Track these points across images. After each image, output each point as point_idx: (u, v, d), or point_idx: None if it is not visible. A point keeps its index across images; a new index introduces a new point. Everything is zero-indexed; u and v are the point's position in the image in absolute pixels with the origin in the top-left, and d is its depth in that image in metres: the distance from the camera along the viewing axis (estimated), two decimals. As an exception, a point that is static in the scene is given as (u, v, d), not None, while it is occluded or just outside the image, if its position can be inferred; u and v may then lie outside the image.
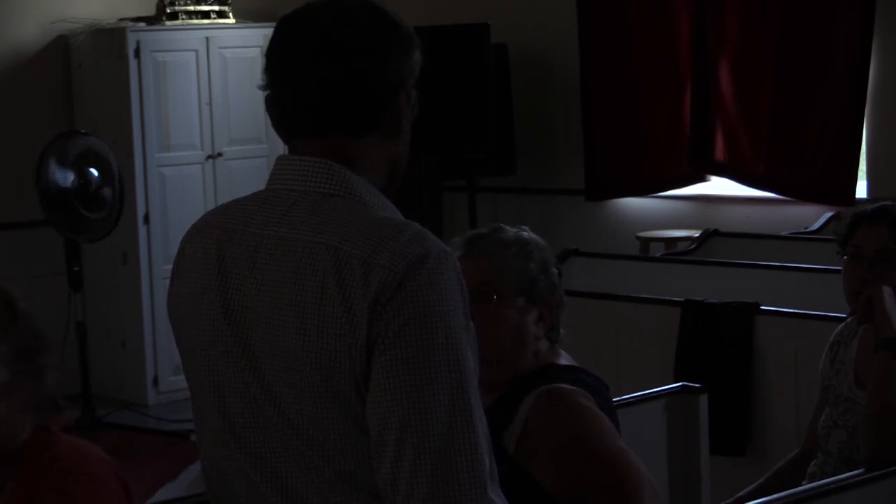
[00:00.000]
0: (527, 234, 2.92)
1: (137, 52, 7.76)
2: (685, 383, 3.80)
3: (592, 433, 2.73)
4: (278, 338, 1.98)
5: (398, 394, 1.90)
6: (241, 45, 8.15)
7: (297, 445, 1.99)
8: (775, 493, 3.24)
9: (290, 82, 2.07)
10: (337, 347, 1.93)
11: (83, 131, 7.39)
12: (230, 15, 8.19)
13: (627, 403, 3.60)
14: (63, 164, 6.90)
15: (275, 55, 2.10)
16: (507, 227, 2.92)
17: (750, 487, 3.76)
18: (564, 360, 2.93)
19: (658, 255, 6.97)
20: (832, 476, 3.44)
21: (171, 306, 2.16)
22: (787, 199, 7.77)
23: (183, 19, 8.01)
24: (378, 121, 2.07)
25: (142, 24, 7.92)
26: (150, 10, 8.01)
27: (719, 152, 8.02)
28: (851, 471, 3.34)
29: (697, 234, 7.03)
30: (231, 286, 2.04)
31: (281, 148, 7.80)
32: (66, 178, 6.91)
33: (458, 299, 1.95)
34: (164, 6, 7.96)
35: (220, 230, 2.10)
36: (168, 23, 7.96)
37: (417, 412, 1.89)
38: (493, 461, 2.04)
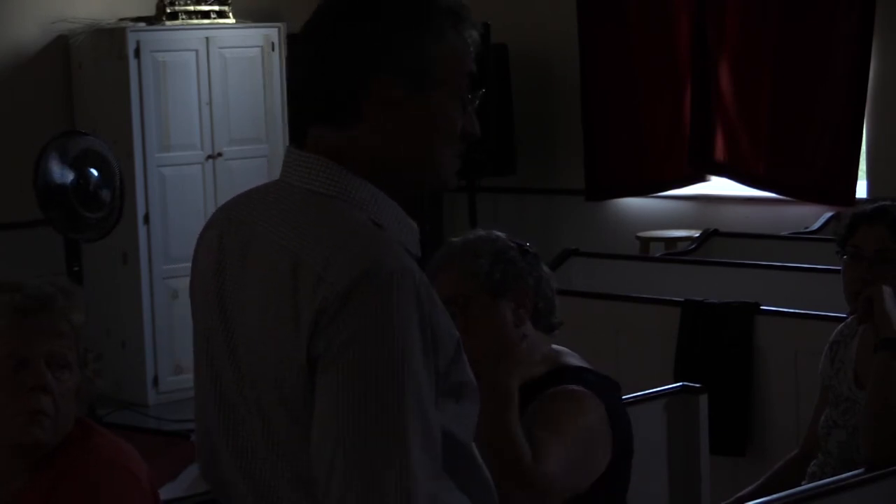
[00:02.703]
0: (472, 234, 2.93)
1: (137, 52, 7.76)
2: (685, 383, 3.80)
3: (563, 423, 2.75)
4: (249, 335, 1.96)
5: (334, 414, 1.83)
6: (241, 45, 8.15)
7: (264, 446, 1.96)
8: (775, 493, 3.25)
9: (291, 73, 2.06)
10: (285, 359, 1.89)
11: (84, 131, 7.39)
12: (230, 15, 8.18)
13: (627, 403, 3.59)
14: (63, 161, 6.90)
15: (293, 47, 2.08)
16: (456, 238, 2.93)
17: (750, 487, 3.76)
18: (575, 360, 2.94)
19: (658, 255, 6.97)
20: (832, 476, 3.44)
21: (190, 293, 2.14)
22: (787, 199, 7.77)
23: (183, 19, 8.01)
24: (360, 112, 1.95)
25: (142, 24, 7.91)
26: (150, 10, 8.01)
27: (719, 152, 8.02)
28: (851, 471, 3.34)
29: (697, 234, 7.03)
30: (226, 278, 2.02)
31: (280, 148, 7.78)
32: (65, 175, 6.91)
33: (409, 316, 1.84)
34: (164, 6, 7.96)
35: (226, 221, 2.07)
36: (168, 23, 7.95)
37: (350, 433, 1.82)
38: (473, 466, 1.99)
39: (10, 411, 2.48)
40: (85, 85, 8.01)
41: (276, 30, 8.28)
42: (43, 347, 2.51)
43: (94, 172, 6.97)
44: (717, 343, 4.95)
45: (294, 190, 1.99)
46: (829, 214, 7.25)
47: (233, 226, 2.05)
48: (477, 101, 2.03)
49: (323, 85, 1.97)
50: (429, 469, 1.85)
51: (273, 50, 8.24)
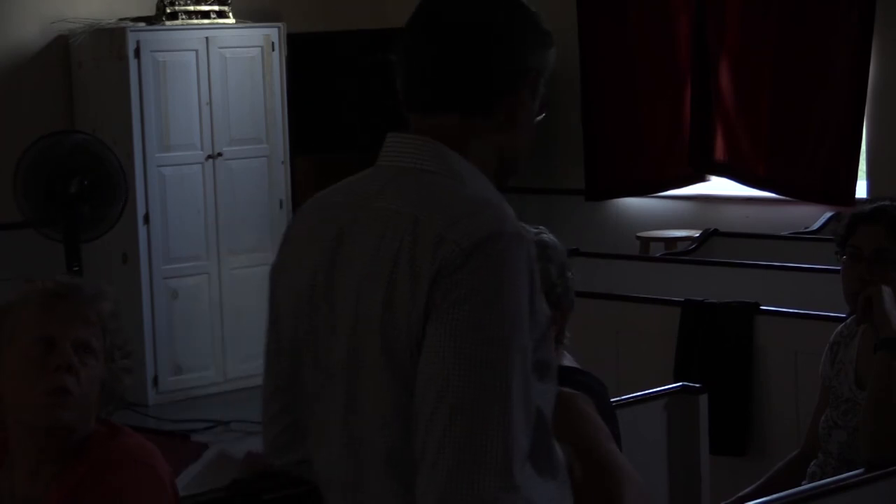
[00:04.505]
0: (546, 236, 2.93)
1: (137, 52, 7.76)
2: (685, 383, 3.80)
3: (589, 437, 2.75)
4: (357, 306, 2.02)
5: (443, 360, 1.92)
6: (241, 45, 8.15)
7: (369, 409, 2.02)
8: (775, 493, 3.25)
9: (409, 55, 2.11)
10: (399, 315, 1.97)
11: (78, 130, 7.40)
12: (230, 15, 8.18)
13: (627, 403, 3.61)
14: (48, 162, 6.91)
15: (406, 28, 2.13)
16: (528, 228, 2.92)
17: (750, 488, 3.76)
18: (567, 361, 2.94)
19: (658, 255, 6.97)
20: (832, 476, 3.44)
21: (277, 282, 2.19)
22: (787, 199, 7.77)
23: (183, 19, 8.01)
24: (492, 106, 2.08)
25: (142, 24, 7.91)
26: (150, 10, 8.01)
27: (719, 152, 8.02)
28: (851, 471, 3.34)
29: (697, 234, 7.03)
30: (333, 260, 2.08)
31: (280, 148, 7.77)
32: (48, 175, 6.92)
33: (522, 282, 1.95)
34: (164, 6, 7.96)
35: (328, 208, 2.14)
36: (168, 23, 7.95)
37: (458, 381, 1.91)
38: (548, 443, 2.06)
39: (36, 390, 2.53)
40: (85, 85, 8.01)
41: (276, 30, 8.28)
42: (70, 331, 2.57)
43: (88, 173, 6.97)
44: (717, 343, 4.95)
45: (403, 170, 2.08)
46: (829, 214, 7.25)
47: (339, 210, 2.11)
48: (541, 117, 2.19)
49: (477, 77, 2.07)
50: (524, 427, 1.93)
51: (273, 50, 8.24)
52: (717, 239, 6.78)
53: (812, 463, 3.69)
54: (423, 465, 1.92)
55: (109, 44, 7.83)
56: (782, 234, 6.98)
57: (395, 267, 1.98)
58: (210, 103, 8.02)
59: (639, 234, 7.97)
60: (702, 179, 8.26)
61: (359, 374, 2.02)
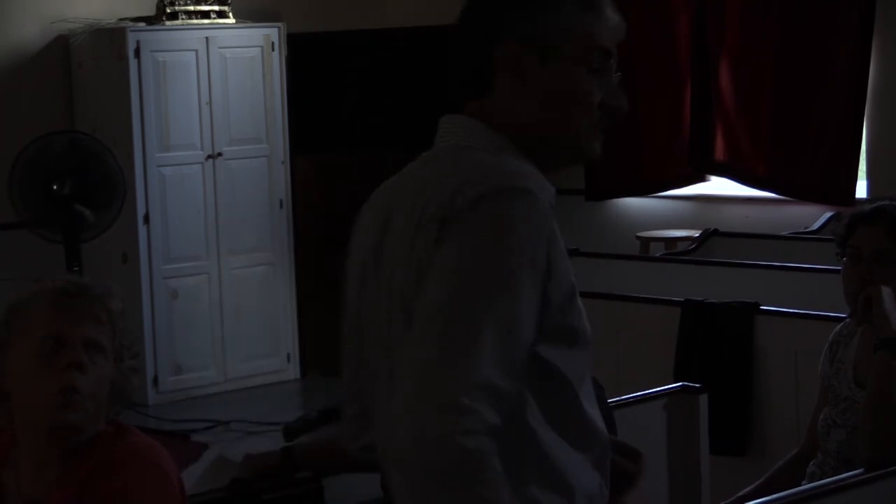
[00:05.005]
0: None
1: (137, 52, 7.76)
2: (685, 383, 3.80)
3: None
4: (392, 276, 2.11)
5: (428, 297, 2.00)
6: (241, 45, 8.15)
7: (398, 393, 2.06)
8: (775, 492, 3.25)
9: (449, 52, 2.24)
10: (416, 271, 2.05)
11: (75, 130, 7.40)
12: (230, 15, 8.18)
13: (627, 403, 3.61)
14: (41, 162, 6.90)
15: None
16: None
17: (750, 487, 3.76)
18: None
19: (658, 255, 6.97)
20: (831, 476, 3.44)
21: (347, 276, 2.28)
22: (787, 199, 7.78)
23: (183, 19, 8.01)
24: (492, 81, 2.15)
25: (142, 24, 7.91)
26: (150, 10, 8.01)
27: (719, 152, 8.03)
28: (850, 470, 3.34)
29: (697, 234, 7.03)
30: (381, 240, 2.16)
31: (280, 148, 7.77)
32: (42, 177, 6.91)
33: (523, 234, 2.04)
34: (164, 6, 7.96)
35: (381, 195, 2.23)
36: (168, 23, 7.95)
37: (434, 313, 1.98)
38: (578, 413, 2.09)
39: (46, 389, 2.52)
40: (85, 85, 8.01)
41: (276, 30, 8.28)
42: (80, 330, 2.56)
43: (86, 174, 6.96)
44: (717, 343, 4.95)
45: (438, 148, 2.19)
46: (829, 214, 7.25)
47: (385, 194, 2.22)
48: (617, 77, 2.22)
49: (461, 58, 2.19)
50: (495, 364, 1.96)
51: (273, 50, 8.24)
52: (717, 239, 6.78)
53: (811, 462, 3.69)
54: (401, 362, 2.01)
55: (109, 44, 7.84)
56: (782, 234, 6.98)
57: (417, 231, 2.06)
58: (210, 103, 8.02)
59: (639, 234, 7.97)
60: (702, 179, 8.26)
61: (398, 345, 2.08)
